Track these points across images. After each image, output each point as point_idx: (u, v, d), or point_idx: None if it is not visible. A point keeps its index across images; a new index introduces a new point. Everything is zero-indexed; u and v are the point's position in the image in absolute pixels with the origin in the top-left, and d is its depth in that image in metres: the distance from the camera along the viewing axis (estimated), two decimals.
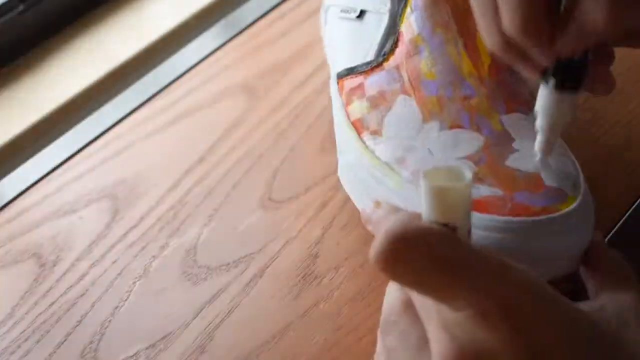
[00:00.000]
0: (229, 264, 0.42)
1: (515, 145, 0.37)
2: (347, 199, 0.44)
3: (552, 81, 0.34)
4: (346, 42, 0.44)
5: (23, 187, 0.48)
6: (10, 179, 0.49)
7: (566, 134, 0.37)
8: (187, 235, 0.44)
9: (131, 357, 0.39)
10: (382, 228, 0.28)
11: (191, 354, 0.38)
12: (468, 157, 0.37)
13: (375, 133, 0.39)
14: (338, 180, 0.44)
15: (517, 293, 0.26)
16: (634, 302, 0.32)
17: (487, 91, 0.39)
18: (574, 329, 0.27)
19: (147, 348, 0.39)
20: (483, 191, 0.35)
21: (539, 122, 0.35)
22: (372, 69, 0.41)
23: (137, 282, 0.42)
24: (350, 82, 0.42)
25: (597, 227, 0.40)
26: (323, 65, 0.52)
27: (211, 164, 0.47)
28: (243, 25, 0.57)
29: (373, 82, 0.40)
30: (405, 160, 0.38)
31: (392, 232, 0.27)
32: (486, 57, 0.39)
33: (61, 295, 0.42)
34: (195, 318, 0.40)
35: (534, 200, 0.34)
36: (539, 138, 0.36)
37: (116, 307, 0.41)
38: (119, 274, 0.42)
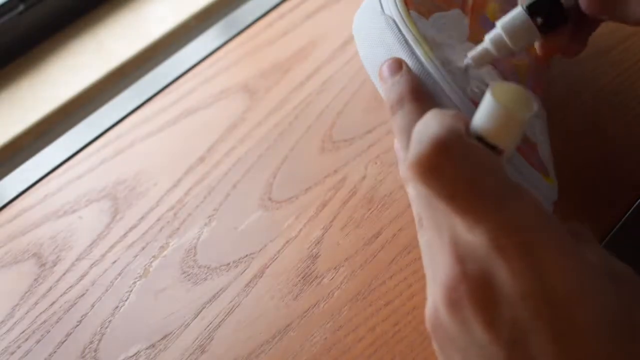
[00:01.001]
0: (229, 264, 0.42)
1: None
2: (347, 199, 0.44)
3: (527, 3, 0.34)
4: None
5: (23, 187, 0.48)
6: (10, 179, 0.49)
7: (564, 132, 0.37)
8: (187, 235, 0.44)
9: (131, 357, 0.39)
10: (405, 106, 0.29)
11: (191, 354, 0.39)
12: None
13: (422, 14, 0.38)
14: (338, 180, 0.44)
15: (541, 236, 0.25)
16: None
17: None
18: (595, 277, 0.26)
19: (147, 348, 0.39)
20: None
21: (493, 33, 0.36)
22: None
23: (137, 282, 0.42)
24: None
25: (597, 227, 0.40)
26: (323, 65, 0.52)
27: (211, 164, 0.47)
28: (243, 25, 0.57)
29: None
30: (441, 48, 0.36)
31: (439, 141, 0.25)
32: None
33: (61, 295, 0.42)
34: (195, 318, 0.40)
35: None
36: (480, 46, 0.36)
37: (116, 307, 0.41)
38: (119, 274, 0.42)
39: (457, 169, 0.25)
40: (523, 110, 0.26)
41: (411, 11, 0.37)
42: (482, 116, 0.27)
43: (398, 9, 0.37)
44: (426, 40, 0.36)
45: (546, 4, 0.34)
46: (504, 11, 0.38)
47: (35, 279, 0.43)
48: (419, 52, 0.35)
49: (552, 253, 0.25)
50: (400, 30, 0.36)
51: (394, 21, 0.37)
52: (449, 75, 0.35)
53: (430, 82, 0.35)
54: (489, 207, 0.25)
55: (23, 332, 0.40)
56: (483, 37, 0.37)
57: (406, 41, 0.36)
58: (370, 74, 0.38)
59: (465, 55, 0.36)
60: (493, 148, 0.27)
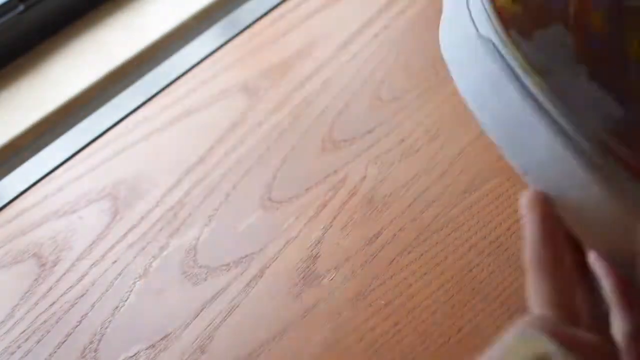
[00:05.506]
0: (229, 264, 0.42)
1: None
2: (348, 199, 0.44)
3: None
4: None
5: (23, 187, 0.48)
6: (10, 179, 0.49)
7: None
8: (187, 235, 0.44)
9: (131, 357, 0.39)
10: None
11: (191, 354, 0.38)
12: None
13: (524, 34, 0.32)
14: (338, 180, 0.44)
15: None
16: None
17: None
18: None
19: (147, 348, 0.39)
20: None
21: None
22: None
23: (137, 282, 0.42)
24: None
25: None
26: (323, 65, 0.52)
27: (211, 164, 0.47)
28: (243, 25, 0.57)
29: None
30: (552, 74, 0.32)
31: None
32: None
33: (61, 296, 0.42)
34: (195, 318, 0.40)
35: None
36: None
37: (116, 307, 0.41)
38: (119, 274, 0.42)
39: None
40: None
41: (511, 31, 0.32)
42: None
43: (496, 30, 0.32)
44: (535, 68, 0.31)
45: None
46: (610, 19, 0.33)
47: (36, 279, 0.43)
48: (528, 83, 0.31)
49: None
50: (504, 59, 0.32)
51: (494, 45, 0.32)
52: (567, 110, 0.31)
53: (547, 121, 0.31)
54: None
55: (23, 332, 0.40)
56: (592, 56, 0.32)
57: (513, 71, 0.31)
58: (475, 111, 0.33)
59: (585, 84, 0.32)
60: None
